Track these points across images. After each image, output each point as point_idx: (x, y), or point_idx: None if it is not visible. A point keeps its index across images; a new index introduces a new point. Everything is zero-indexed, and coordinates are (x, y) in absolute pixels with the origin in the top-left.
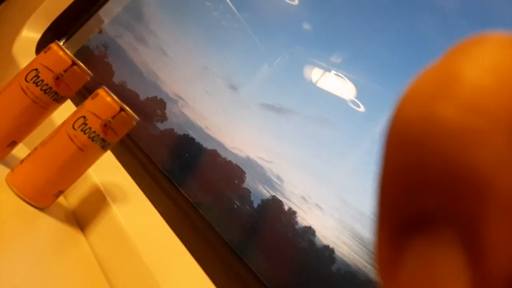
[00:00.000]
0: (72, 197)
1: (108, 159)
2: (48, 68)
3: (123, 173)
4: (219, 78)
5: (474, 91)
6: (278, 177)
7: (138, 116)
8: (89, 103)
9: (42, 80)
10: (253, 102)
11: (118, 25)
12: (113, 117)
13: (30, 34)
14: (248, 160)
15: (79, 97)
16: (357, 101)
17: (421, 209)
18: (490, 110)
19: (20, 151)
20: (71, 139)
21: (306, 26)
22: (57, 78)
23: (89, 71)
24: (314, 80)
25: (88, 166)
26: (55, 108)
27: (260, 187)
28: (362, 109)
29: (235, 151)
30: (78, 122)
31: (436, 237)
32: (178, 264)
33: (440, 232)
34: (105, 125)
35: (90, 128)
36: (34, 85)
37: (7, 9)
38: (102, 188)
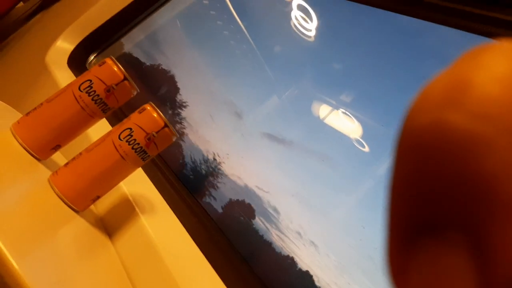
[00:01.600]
0: (102, 205)
1: (137, 172)
2: (102, 80)
3: (150, 187)
4: (225, 104)
5: (483, 99)
6: (275, 209)
7: None
8: (135, 117)
9: (95, 91)
10: (257, 131)
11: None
12: (157, 132)
13: (64, 45)
14: (246, 188)
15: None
16: (362, 141)
17: (430, 215)
18: (499, 118)
19: (55, 155)
20: (115, 148)
21: (319, 62)
22: (108, 91)
23: (136, 87)
24: (321, 116)
25: (126, 175)
26: (100, 118)
27: (256, 218)
28: (366, 149)
29: (233, 178)
30: (125, 133)
31: (446, 241)
32: (200, 275)
33: (450, 237)
34: (149, 139)
35: (135, 139)
36: (87, 94)
37: (46, 16)
38: (131, 198)
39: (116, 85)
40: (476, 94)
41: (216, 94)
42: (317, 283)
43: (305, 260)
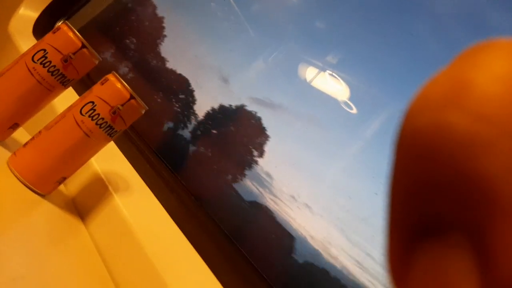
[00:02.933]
0: (72, 185)
1: (110, 148)
2: (57, 49)
3: (125, 164)
4: (211, 68)
5: (484, 99)
6: (268, 174)
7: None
8: (98, 88)
9: (50, 62)
10: (244, 96)
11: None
12: (122, 105)
13: (28, 13)
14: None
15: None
16: (349, 102)
17: (432, 215)
18: (500, 118)
19: (20, 134)
20: (78, 124)
21: (305, 24)
22: (65, 61)
23: (98, 56)
24: (308, 79)
25: (94, 153)
26: (60, 91)
27: (249, 183)
28: (354, 111)
29: None
30: (86, 108)
31: (447, 242)
32: (180, 256)
33: (451, 238)
34: (114, 112)
35: (98, 114)
36: (41, 66)
37: None
38: (104, 177)
39: (74, 53)
40: (477, 94)
41: (201, 59)
42: (312, 243)
43: (299, 221)
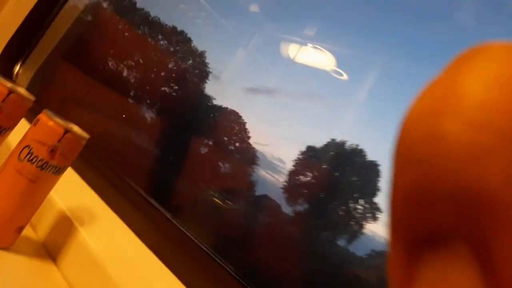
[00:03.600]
0: (41, 228)
1: (72, 178)
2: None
3: (89, 192)
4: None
5: (480, 107)
6: (279, 160)
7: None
8: (31, 131)
9: (37, 156)
10: (237, 88)
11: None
12: (59, 141)
13: None
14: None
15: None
16: (338, 70)
17: (434, 227)
18: (498, 126)
19: None
20: (19, 172)
21: (274, 2)
22: (52, 151)
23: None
24: (292, 56)
25: (45, 195)
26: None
27: (263, 173)
28: (345, 77)
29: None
30: (24, 153)
31: (449, 253)
32: (153, 279)
33: (453, 249)
34: (52, 151)
35: (37, 156)
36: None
37: None
38: (68, 213)
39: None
40: (472, 102)
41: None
42: None
43: None
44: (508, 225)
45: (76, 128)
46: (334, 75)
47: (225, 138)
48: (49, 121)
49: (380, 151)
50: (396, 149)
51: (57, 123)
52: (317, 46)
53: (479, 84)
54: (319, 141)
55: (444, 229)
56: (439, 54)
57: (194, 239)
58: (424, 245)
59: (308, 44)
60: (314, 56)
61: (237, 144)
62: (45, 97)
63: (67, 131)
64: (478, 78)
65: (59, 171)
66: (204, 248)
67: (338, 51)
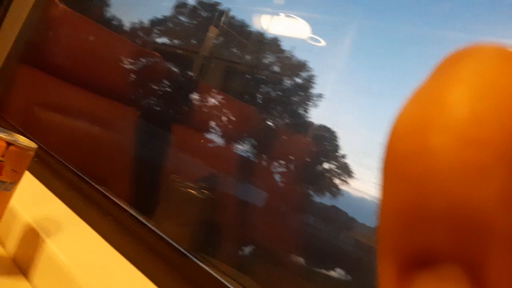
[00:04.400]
0: (9, 243)
1: (35, 189)
2: None
3: (54, 201)
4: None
5: (469, 120)
6: None
7: None
8: None
9: None
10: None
11: None
12: (3, 156)
13: None
14: None
15: None
16: (315, 36)
17: (425, 247)
18: (490, 141)
19: None
20: None
21: None
22: None
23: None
24: (265, 28)
25: (1, 212)
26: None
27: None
28: (323, 43)
29: None
30: None
31: (442, 274)
32: (126, 284)
33: (446, 269)
34: None
35: None
36: None
37: None
38: (34, 225)
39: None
40: (460, 114)
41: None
42: None
43: None
44: (502, 246)
45: (21, 139)
46: (312, 42)
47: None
48: None
49: (367, 115)
50: (384, 161)
51: None
52: (290, 14)
53: (468, 94)
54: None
55: (436, 250)
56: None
57: (167, 239)
58: (416, 265)
59: (280, 13)
60: (288, 25)
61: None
62: (8, 105)
63: (9, 144)
64: (466, 88)
65: (10, 186)
66: (179, 247)
67: (312, 17)
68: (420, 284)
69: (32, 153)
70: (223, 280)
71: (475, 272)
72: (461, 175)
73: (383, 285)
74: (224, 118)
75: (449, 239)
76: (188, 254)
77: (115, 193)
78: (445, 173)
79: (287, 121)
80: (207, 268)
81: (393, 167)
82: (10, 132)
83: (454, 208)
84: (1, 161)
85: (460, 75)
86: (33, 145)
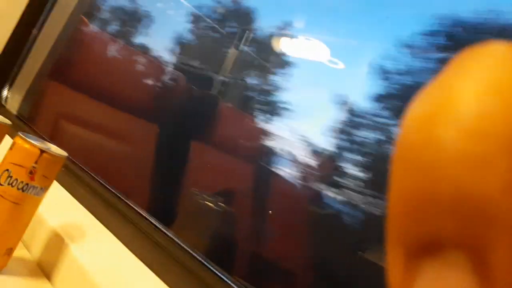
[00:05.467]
0: (34, 247)
1: (61, 196)
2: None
3: (79, 208)
4: None
5: (475, 114)
6: (289, 153)
7: None
8: (9, 155)
9: (16, 179)
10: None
11: None
12: (36, 162)
13: None
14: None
15: None
16: (333, 59)
17: (431, 234)
18: (494, 134)
19: None
20: (1, 196)
21: None
22: (30, 172)
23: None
24: (284, 51)
25: (30, 216)
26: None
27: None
28: (341, 65)
29: None
30: (3, 177)
31: (447, 260)
32: None
33: (451, 256)
34: (30, 172)
35: (16, 179)
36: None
37: None
38: (59, 230)
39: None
40: (467, 108)
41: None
42: None
43: None
44: (505, 234)
45: (53, 148)
46: (331, 64)
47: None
48: (24, 143)
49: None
50: (395, 152)
51: (32, 144)
52: (308, 37)
53: (475, 89)
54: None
55: (442, 236)
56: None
57: (185, 247)
58: (423, 251)
59: (299, 36)
60: (307, 48)
61: None
62: (37, 118)
63: (43, 151)
64: (474, 83)
65: (41, 191)
66: (197, 256)
67: (330, 40)
68: (426, 271)
69: (62, 160)
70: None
71: (478, 258)
72: (466, 165)
73: (392, 272)
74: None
75: (454, 226)
76: (206, 263)
77: (137, 203)
78: (451, 163)
79: None
80: (224, 278)
81: (403, 157)
82: (43, 140)
83: (459, 196)
84: (34, 167)
85: (469, 71)
86: (63, 153)
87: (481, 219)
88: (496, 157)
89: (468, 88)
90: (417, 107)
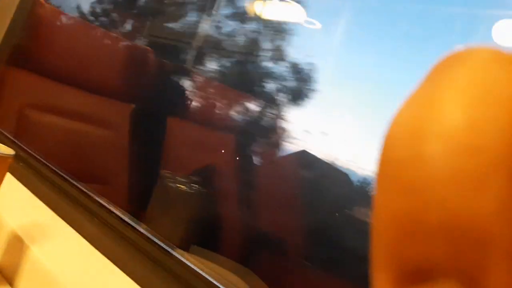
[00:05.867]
0: None
1: (20, 194)
2: None
3: (40, 206)
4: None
5: (463, 127)
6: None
7: None
8: None
9: None
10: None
11: None
12: None
13: None
14: None
15: None
16: (310, 20)
17: (421, 260)
18: (486, 149)
19: None
20: None
21: None
22: None
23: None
24: (258, 12)
25: None
26: None
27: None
28: (318, 25)
29: None
30: None
31: (438, 287)
32: (111, 286)
33: (444, 281)
34: None
35: None
36: None
37: None
38: (19, 232)
39: None
40: (454, 120)
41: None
42: None
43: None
44: (500, 260)
45: None
46: (308, 25)
47: None
48: None
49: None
50: (378, 167)
51: None
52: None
53: (462, 101)
54: None
55: (432, 263)
56: None
57: (154, 239)
58: (412, 279)
59: None
60: (282, 9)
61: None
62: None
63: None
64: (461, 94)
65: None
66: (166, 247)
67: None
68: None
69: (9, 160)
70: (209, 278)
71: (471, 283)
72: (456, 185)
73: None
74: (218, 104)
75: (445, 253)
76: (175, 253)
77: (105, 193)
78: (440, 182)
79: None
80: (193, 266)
81: (388, 175)
82: None
83: (450, 220)
84: None
85: (454, 81)
86: (10, 151)
87: (474, 244)
88: (488, 174)
89: (454, 100)
90: (401, 119)
